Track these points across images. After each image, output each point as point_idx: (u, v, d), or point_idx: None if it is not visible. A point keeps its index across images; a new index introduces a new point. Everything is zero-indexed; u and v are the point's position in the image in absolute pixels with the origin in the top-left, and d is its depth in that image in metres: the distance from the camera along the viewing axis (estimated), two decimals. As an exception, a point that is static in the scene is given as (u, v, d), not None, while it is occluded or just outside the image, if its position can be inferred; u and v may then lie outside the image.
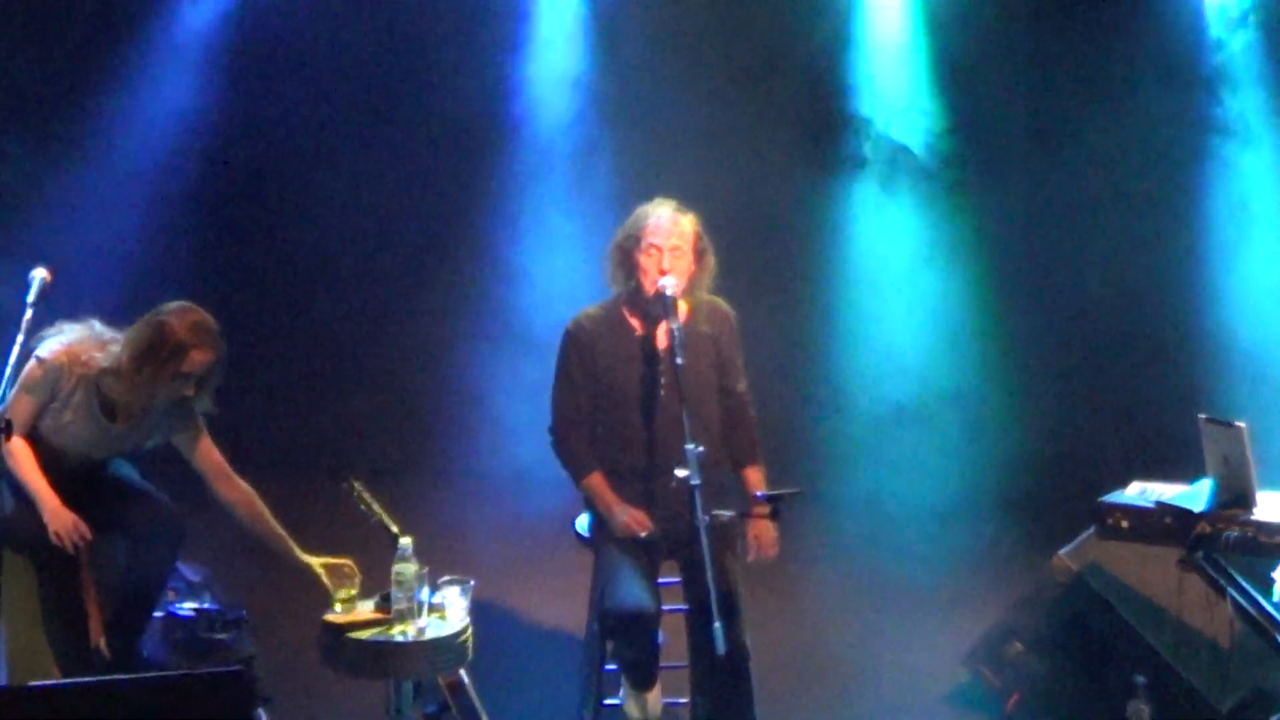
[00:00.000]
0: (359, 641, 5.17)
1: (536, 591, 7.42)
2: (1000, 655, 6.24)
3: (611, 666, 5.70)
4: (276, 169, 9.17)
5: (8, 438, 5.43)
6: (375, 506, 5.41)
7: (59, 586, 5.76)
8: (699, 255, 5.69)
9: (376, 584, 5.33)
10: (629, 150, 8.95)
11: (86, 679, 5.10)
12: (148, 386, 5.62)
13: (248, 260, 9.25)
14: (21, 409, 5.64)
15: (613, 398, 5.70)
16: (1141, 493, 5.93)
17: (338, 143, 9.15)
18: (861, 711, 6.43)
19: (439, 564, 5.39)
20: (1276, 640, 5.63)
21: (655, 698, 5.71)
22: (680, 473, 5.31)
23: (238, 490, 5.82)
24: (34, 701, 4.06)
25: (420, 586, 5.20)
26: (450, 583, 5.33)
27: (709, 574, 5.07)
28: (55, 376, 5.64)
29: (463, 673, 5.49)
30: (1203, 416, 5.78)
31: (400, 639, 5.16)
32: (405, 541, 5.20)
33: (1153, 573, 5.93)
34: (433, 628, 5.22)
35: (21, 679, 5.44)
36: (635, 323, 5.74)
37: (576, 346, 5.73)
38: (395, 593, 5.18)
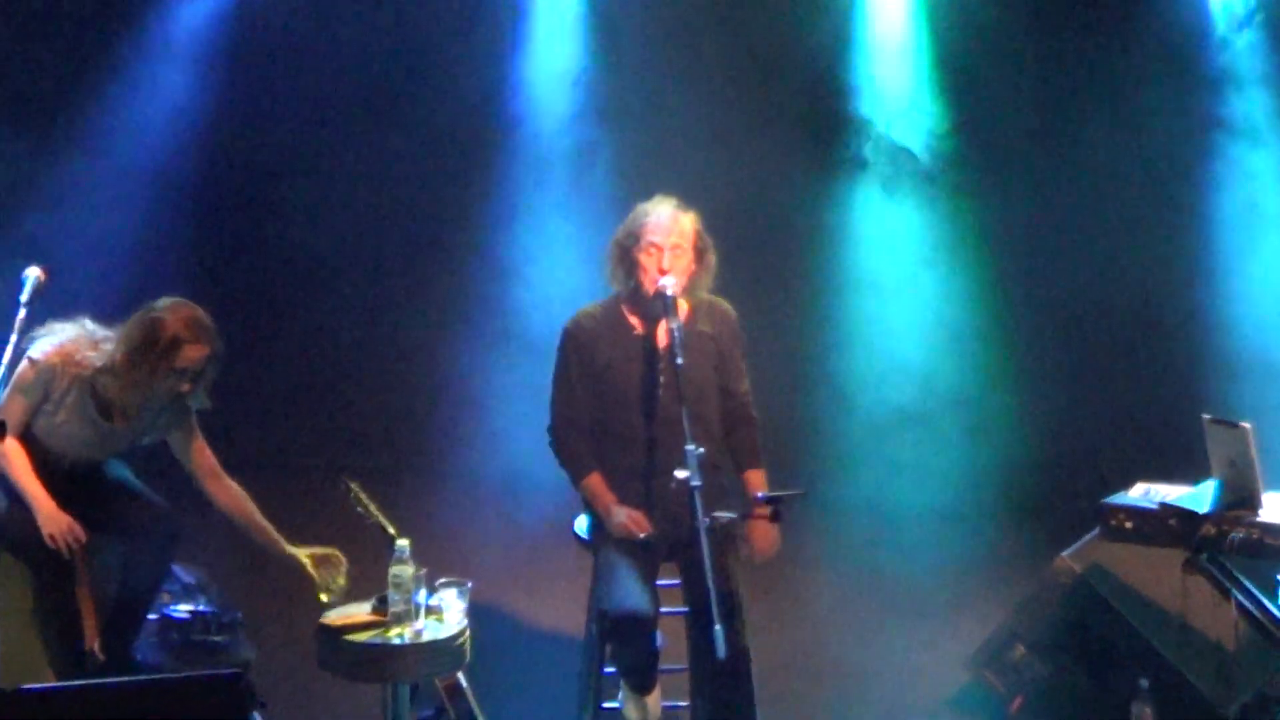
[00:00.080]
0: (355, 644, 5.14)
1: (535, 594, 7.39)
2: (1003, 658, 6.20)
3: (610, 669, 5.66)
4: (273, 167, 9.15)
5: (1, 439, 5.40)
6: (372, 508, 5.38)
7: (53, 589, 5.74)
8: (700, 254, 5.65)
9: (373, 586, 5.30)
10: (627, 150, 8.93)
11: (81, 682, 5.12)
12: (143, 384, 5.60)
13: (243, 259, 9.22)
14: (14, 410, 5.61)
15: (612, 398, 5.66)
16: (1145, 494, 5.95)
17: (334, 141, 9.13)
18: (863, 715, 6.40)
19: (436, 566, 5.36)
20: (1282, 642, 5.62)
21: (654, 701, 5.67)
22: (680, 474, 5.28)
23: (227, 488, 5.82)
24: (28, 705, 4.07)
25: (417, 588, 5.18)
26: (448, 585, 5.30)
27: (709, 576, 5.03)
28: (48, 377, 5.61)
29: (460, 676, 5.45)
30: (1207, 417, 5.80)
31: (397, 642, 5.13)
32: (402, 543, 5.17)
33: (1157, 575, 5.89)
34: (430, 630, 5.19)
35: (15, 682, 5.36)
36: (635, 322, 5.70)
37: (576, 346, 5.70)
38: (392, 595, 5.15)
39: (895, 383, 8.96)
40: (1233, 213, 8.73)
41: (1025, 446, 8.71)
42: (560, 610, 6.97)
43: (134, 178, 8.86)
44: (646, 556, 5.58)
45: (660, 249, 5.56)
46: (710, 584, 5.02)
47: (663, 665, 5.63)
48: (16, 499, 5.63)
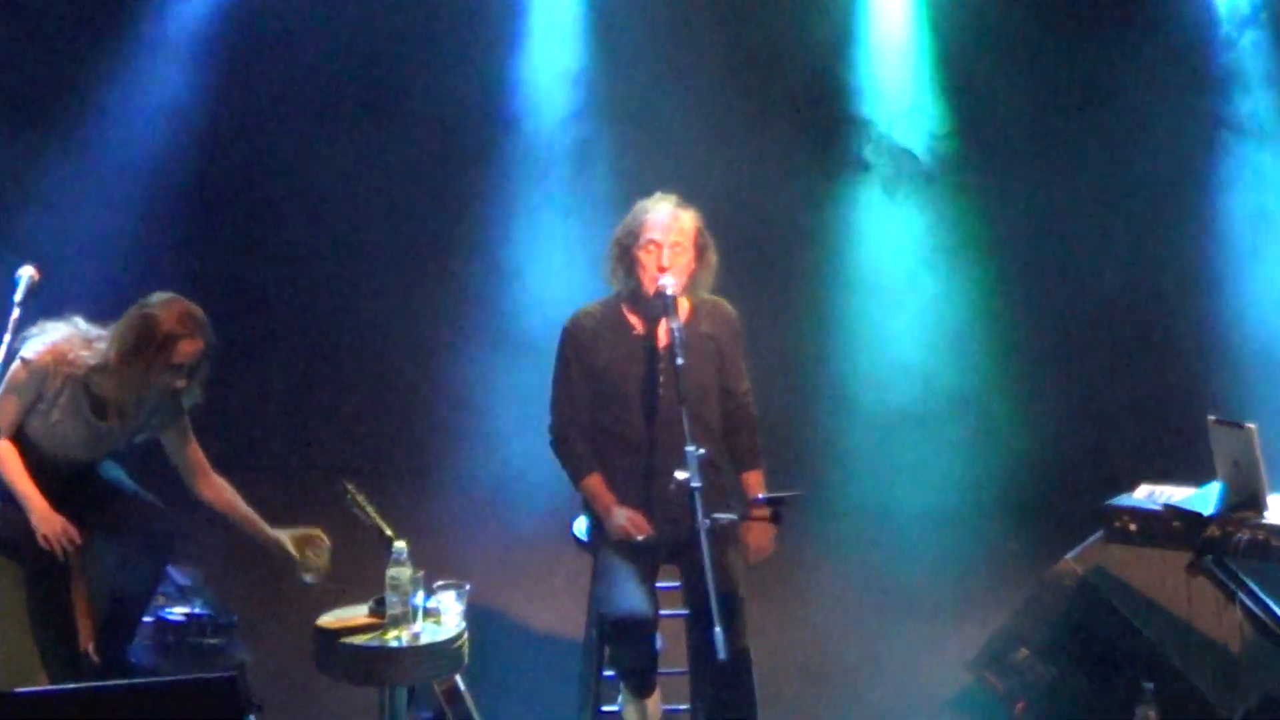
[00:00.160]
0: (352, 647, 5.11)
1: (533, 596, 7.37)
2: (1006, 660, 6.19)
3: (610, 672, 5.63)
4: (269, 165, 9.11)
5: (-6, 440, 5.39)
6: (370, 509, 5.37)
7: (48, 591, 5.72)
8: (700, 252, 5.62)
9: (371, 588, 5.27)
10: (626, 149, 8.89)
11: (75, 685, 5.09)
12: (138, 381, 5.58)
13: (239, 258, 9.19)
14: (7, 411, 5.60)
15: (612, 398, 5.63)
16: (1150, 495, 5.94)
17: (331, 139, 9.09)
18: (864, 716, 6.38)
19: (434, 568, 5.34)
20: (1287, 645, 5.59)
21: (654, 704, 5.64)
22: (680, 475, 5.24)
23: (214, 484, 5.84)
24: (22, 707, 4.05)
25: (415, 591, 5.15)
26: (446, 587, 5.28)
27: (709, 578, 4.99)
28: (41, 377, 5.59)
29: (458, 679, 5.43)
30: (1212, 418, 5.79)
31: (395, 644, 5.10)
32: (400, 545, 5.15)
33: (1161, 577, 5.88)
34: (428, 633, 5.17)
35: (9, 684, 5.38)
36: (635, 321, 5.67)
37: (575, 345, 5.66)
38: (390, 597, 5.13)
39: (896, 383, 8.94)
40: (1237, 213, 8.73)
41: (1028, 447, 8.69)
42: (559, 612, 6.94)
43: (129, 176, 8.82)
44: (646, 558, 5.55)
45: (660, 246, 5.53)
46: (710, 586, 4.98)
47: (662, 668, 5.59)
48: (10, 500, 5.60)
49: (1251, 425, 5.58)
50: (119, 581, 5.81)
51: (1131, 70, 8.74)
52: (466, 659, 5.26)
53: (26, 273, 5.77)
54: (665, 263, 5.52)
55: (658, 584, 5.61)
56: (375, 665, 5.11)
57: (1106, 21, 8.79)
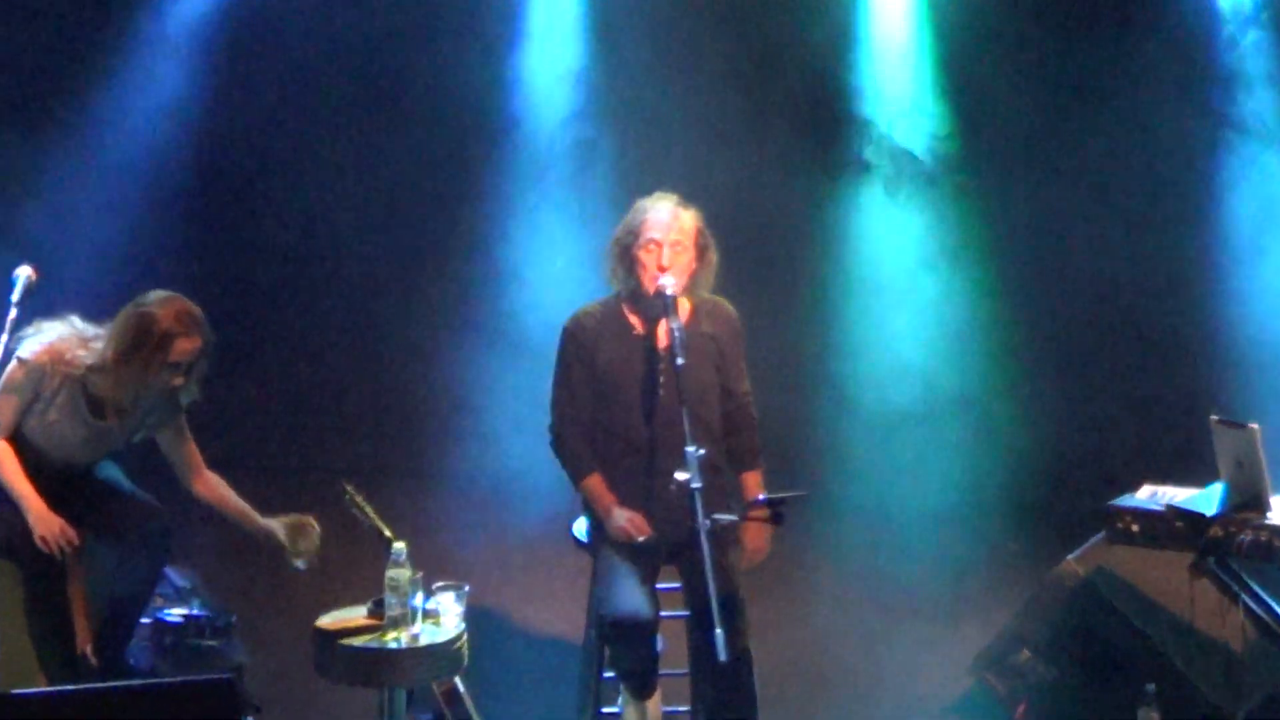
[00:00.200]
0: (351, 648, 5.09)
1: (533, 597, 7.35)
2: (1007, 662, 6.17)
3: (610, 674, 5.62)
4: (267, 165, 9.11)
5: (-10, 440, 5.37)
6: (368, 510, 5.34)
7: (45, 592, 5.70)
8: (701, 251, 5.60)
9: (369, 590, 5.25)
10: (626, 150, 8.89)
11: (73, 686, 5.07)
12: (136, 379, 5.56)
13: (237, 258, 9.18)
14: (4, 411, 5.58)
15: (612, 398, 5.61)
16: (1152, 496, 5.94)
17: (330, 138, 9.09)
18: (866, 719, 6.37)
19: (433, 569, 5.33)
20: (1290, 647, 5.58)
21: (655, 705, 5.62)
22: (680, 476, 5.22)
23: (209, 481, 5.84)
24: (19, 709, 4.03)
25: (414, 592, 5.13)
26: (445, 588, 5.26)
27: (709, 579, 4.97)
28: (38, 376, 5.57)
29: (458, 680, 5.42)
30: (1214, 418, 5.78)
31: (394, 646, 5.08)
32: (399, 546, 5.12)
33: (1163, 578, 5.86)
34: (427, 634, 5.15)
35: (6, 686, 5.35)
36: (635, 321, 5.65)
37: (576, 344, 5.64)
38: (389, 598, 5.10)
39: (897, 384, 8.92)
40: (1240, 213, 8.70)
41: (1029, 448, 8.68)
42: (559, 614, 6.92)
43: (128, 175, 8.80)
44: (646, 559, 5.53)
45: (660, 245, 5.51)
46: (711, 587, 4.97)
47: (663, 669, 5.58)
48: (7, 501, 5.58)
49: (1254, 425, 5.57)
50: (117, 582, 5.79)
51: (1133, 70, 8.72)
52: (466, 660, 5.23)
53: (24, 273, 5.76)
54: (666, 262, 5.50)
55: (658, 585, 5.59)
56: (374, 667, 5.09)
57: (1108, 21, 8.77)
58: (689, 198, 5.68)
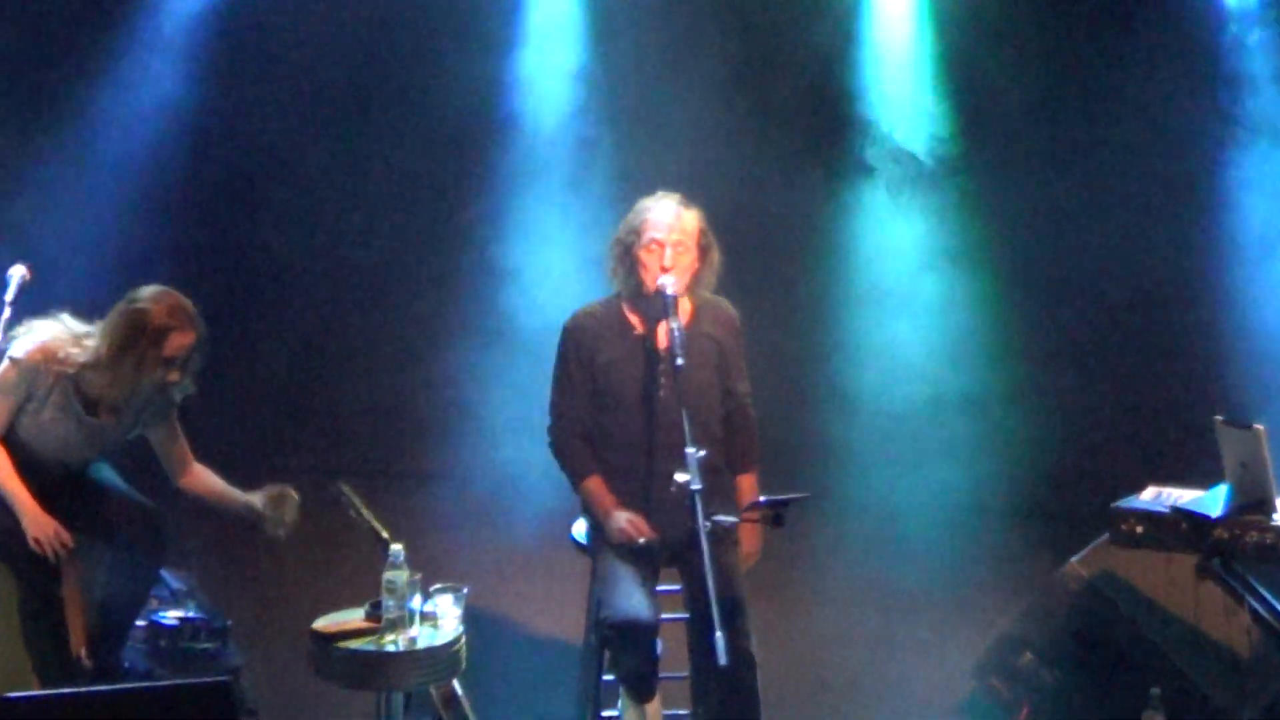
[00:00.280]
0: (348, 651, 5.06)
1: (532, 599, 7.33)
2: (1010, 665, 6.15)
3: (609, 677, 5.60)
4: (263, 163, 9.07)
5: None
6: (365, 511, 5.31)
7: (39, 595, 5.68)
8: (703, 252, 5.57)
9: (367, 592, 5.22)
10: (626, 150, 8.86)
11: (67, 690, 5.01)
12: (131, 376, 5.53)
13: (232, 257, 9.16)
14: (-3, 411, 5.55)
15: (611, 399, 5.58)
16: (1157, 497, 5.92)
17: (326, 137, 9.06)
18: (868, 722, 6.37)
19: (431, 571, 5.30)
20: (1297, 650, 5.54)
21: (655, 709, 5.57)
22: (680, 477, 5.18)
23: (197, 474, 5.83)
24: (13, 713, 4.02)
25: (412, 594, 5.09)
26: (443, 590, 5.22)
27: (710, 581, 4.93)
28: (31, 376, 5.54)
29: (456, 683, 5.38)
30: (1219, 418, 5.76)
31: (391, 649, 5.05)
32: (396, 548, 5.09)
33: (1168, 580, 5.85)
34: (425, 637, 5.12)
35: (1, 689, 5.31)
36: (635, 321, 5.61)
37: (575, 344, 5.61)
38: (386, 601, 5.07)
39: (900, 386, 8.90)
40: (1245, 213, 8.69)
41: (1033, 450, 8.66)
42: (558, 616, 6.90)
43: (122, 173, 8.77)
44: (646, 561, 5.51)
45: (662, 246, 5.47)
46: (711, 589, 4.93)
47: (662, 672, 5.54)
48: (1, 503, 5.55)
49: (1260, 426, 5.54)
50: (111, 585, 5.76)
51: (1136, 70, 8.72)
52: (464, 663, 5.20)
53: (18, 272, 5.75)
54: (667, 263, 5.47)
55: (659, 587, 5.56)
56: (371, 670, 5.06)
57: (1111, 21, 8.76)
58: (689, 198, 5.65)
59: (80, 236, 8.50)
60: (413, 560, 5.10)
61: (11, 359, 5.52)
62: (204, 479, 5.83)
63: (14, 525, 5.50)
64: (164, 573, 6.20)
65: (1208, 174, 8.72)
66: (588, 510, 5.66)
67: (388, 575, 5.05)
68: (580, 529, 5.76)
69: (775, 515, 5.38)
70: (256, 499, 5.69)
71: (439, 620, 5.17)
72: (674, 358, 5.33)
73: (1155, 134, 8.69)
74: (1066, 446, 8.73)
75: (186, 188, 8.97)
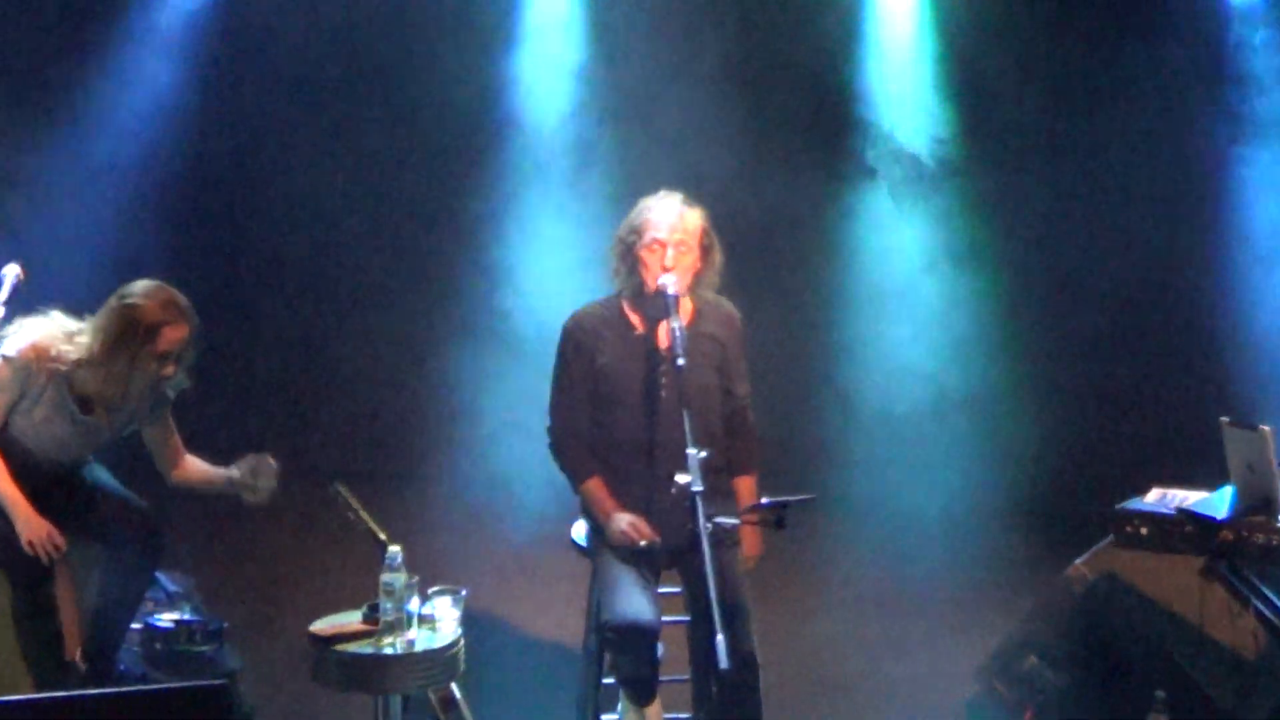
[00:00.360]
0: (346, 654, 5.04)
1: (531, 602, 7.31)
2: (1014, 668, 6.12)
3: (610, 680, 5.57)
4: (259, 163, 9.08)
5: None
6: (362, 513, 5.29)
7: (32, 598, 5.64)
8: (705, 251, 5.53)
9: (364, 594, 5.20)
10: (626, 150, 8.87)
11: (61, 694, 4.96)
12: (125, 372, 5.50)
13: (228, 256, 9.18)
14: (-10, 410, 5.52)
15: (612, 399, 5.53)
16: (1161, 499, 5.90)
17: (323, 135, 9.06)
18: (871, 726, 6.36)
19: (429, 573, 5.28)
20: (1303, 653, 5.51)
21: (655, 713, 5.54)
22: (681, 478, 5.13)
23: (188, 466, 5.81)
24: (6, 717, 3.94)
25: (410, 597, 5.07)
26: (441, 593, 5.20)
27: (711, 583, 4.89)
28: (24, 374, 5.50)
29: (454, 687, 5.38)
30: (1225, 419, 5.72)
31: (389, 652, 5.02)
32: (394, 549, 5.06)
33: (1173, 582, 5.81)
34: (423, 640, 5.09)
35: (-7, 693, 5.29)
36: (636, 321, 5.58)
37: (575, 345, 5.57)
38: (384, 603, 5.04)
39: (903, 388, 8.94)
40: (1251, 214, 8.72)
41: (1037, 451, 8.69)
42: (557, 619, 6.90)
43: (116, 170, 8.77)
44: (647, 563, 5.47)
45: (664, 245, 5.44)
46: (712, 592, 4.88)
47: (663, 675, 5.52)
48: (-7, 505, 5.54)
49: (1266, 428, 5.51)
50: (106, 587, 5.73)
51: (1141, 71, 8.76)
52: (463, 666, 5.18)
53: (12, 271, 5.72)
54: (669, 263, 5.43)
55: (660, 589, 5.52)
56: (369, 673, 5.04)
57: (1115, 21, 8.77)
58: (691, 198, 5.62)
59: (75, 235, 8.47)
60: (411, 562, 5.07)
61: (3, 357, 5.48)
62: (193, 468, 5.80)
63: (6, 528, 5.47)
64: (159, 575, 6.17)
65: (1212, 174, 8.76)
66: (588, 512, 5.62)
67: (385, 577, 5.01)
68: (580, 531, 5.73)
69: (777, 517, 5.33)
70: (235, 470, 5.66)
71: (437, 623, 5.15)
72: (675, 358, 5.29)
73: (1159, 134, 8.72)
74: (1070, 447, 8.74)
75: (182, 187, 8.96)
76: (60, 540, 5.48)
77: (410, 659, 5.02)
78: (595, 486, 5.51)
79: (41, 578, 5.59)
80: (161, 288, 5.54)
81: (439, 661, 5.07)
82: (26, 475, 5.54)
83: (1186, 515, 5.66)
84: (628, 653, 5.34)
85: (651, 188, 5.66)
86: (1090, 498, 7.04)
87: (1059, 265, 8.90)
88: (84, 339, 5.49)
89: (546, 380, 5.67)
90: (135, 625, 5.99)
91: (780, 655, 6.26)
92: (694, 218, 5.50)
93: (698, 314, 5.59)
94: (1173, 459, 7.37)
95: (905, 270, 9.02)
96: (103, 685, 5.49)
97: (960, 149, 9.02)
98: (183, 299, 5.55)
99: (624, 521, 5.43)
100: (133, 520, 5.73)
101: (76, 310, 5.59)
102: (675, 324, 5.36)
